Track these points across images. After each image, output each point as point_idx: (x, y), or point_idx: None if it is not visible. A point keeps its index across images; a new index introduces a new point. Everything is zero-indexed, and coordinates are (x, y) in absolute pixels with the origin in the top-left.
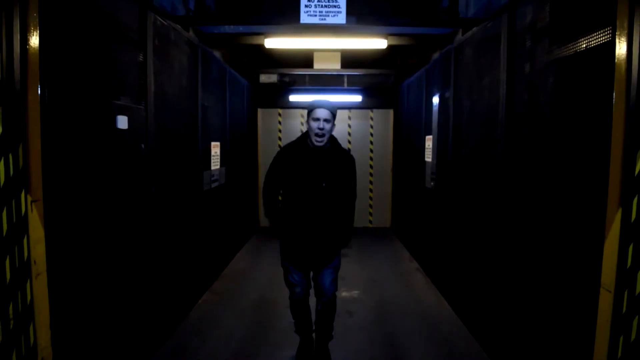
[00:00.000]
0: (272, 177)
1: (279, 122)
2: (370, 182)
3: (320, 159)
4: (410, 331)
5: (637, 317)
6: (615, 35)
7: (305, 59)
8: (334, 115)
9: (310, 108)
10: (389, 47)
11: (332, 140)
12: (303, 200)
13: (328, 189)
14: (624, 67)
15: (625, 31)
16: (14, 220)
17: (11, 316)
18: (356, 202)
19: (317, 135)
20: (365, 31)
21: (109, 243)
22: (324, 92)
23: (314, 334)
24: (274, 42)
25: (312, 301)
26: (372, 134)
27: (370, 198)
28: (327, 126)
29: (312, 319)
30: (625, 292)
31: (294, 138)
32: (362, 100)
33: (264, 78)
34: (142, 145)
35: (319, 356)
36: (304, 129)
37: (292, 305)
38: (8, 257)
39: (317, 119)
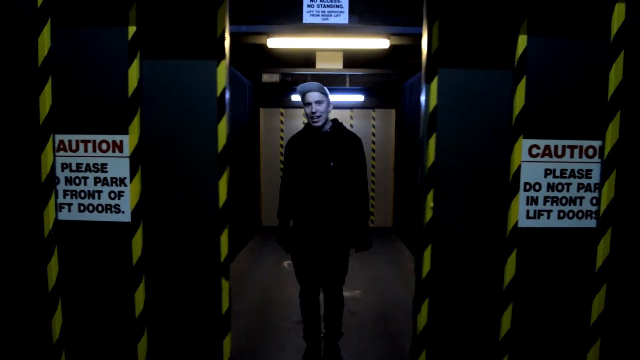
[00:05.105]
0: (287, 171)
1: (281, 122)
2: (372, 182)
3: (324, 141)
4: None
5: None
6: None
7: (307, 58)
8: (325, 95)
9: (301, 95)
10: (391, 46)
11: (336, 123)
12: (309, 184)
13: (334, 170)
14: None
15: None
16: None
17: None
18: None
19: (312, 118)
20: (368, 31)
21: None
22: None
23: (322, 338)
24: (276, 42)
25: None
26: (374, 134)
27: (372, 198)
28: (320, 107)
29: (320, 319)
30: None
31: None
32: (364, 100)
33: (266, 77)
34: None
35: (328, 354)
36: None
37: (302, 301)
38: None
39: (309, 104)
